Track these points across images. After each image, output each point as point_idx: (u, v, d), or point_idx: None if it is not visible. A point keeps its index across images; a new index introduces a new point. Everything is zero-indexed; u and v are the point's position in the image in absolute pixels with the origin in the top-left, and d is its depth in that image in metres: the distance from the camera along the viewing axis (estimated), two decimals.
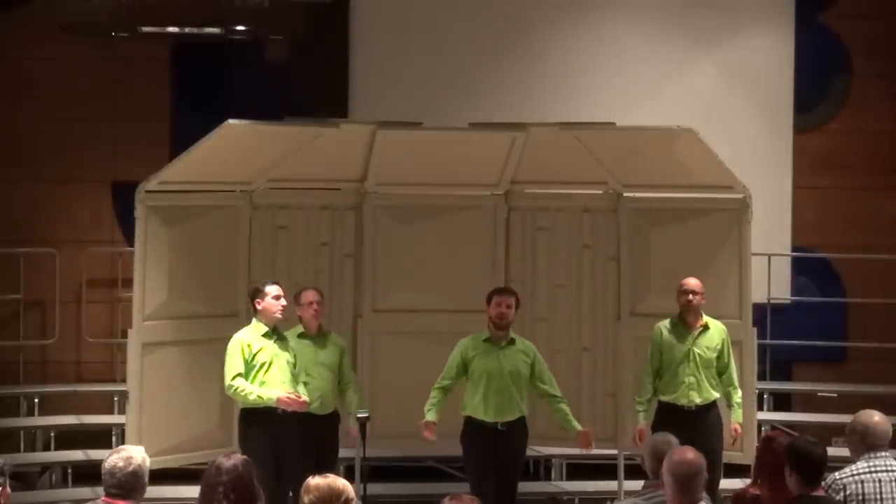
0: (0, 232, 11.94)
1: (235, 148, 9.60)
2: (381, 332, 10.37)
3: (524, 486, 9.90)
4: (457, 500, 5.35)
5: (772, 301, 12.14)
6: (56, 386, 11.97)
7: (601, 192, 10.52)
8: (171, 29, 11.77)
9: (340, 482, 5.32)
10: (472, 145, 10.24)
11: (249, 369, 8.84)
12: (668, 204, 10.39)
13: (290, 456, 8.79)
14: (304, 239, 10.33)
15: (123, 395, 9.97)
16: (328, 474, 5.37)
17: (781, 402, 12.43)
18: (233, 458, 5.62)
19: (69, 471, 11.24)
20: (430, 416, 8.99)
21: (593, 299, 10.49)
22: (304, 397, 8.87)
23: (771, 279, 12.01)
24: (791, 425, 11.54)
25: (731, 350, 9.58)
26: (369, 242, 10.40)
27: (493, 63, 12.24)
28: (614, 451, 10.38)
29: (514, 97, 12.08)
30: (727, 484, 10.15)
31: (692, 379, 9.43)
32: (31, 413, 11.73)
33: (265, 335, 8.93)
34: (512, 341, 9.15)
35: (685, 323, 9.51)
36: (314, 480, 5.32)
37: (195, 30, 11.75)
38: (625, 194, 10.43)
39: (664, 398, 9.50)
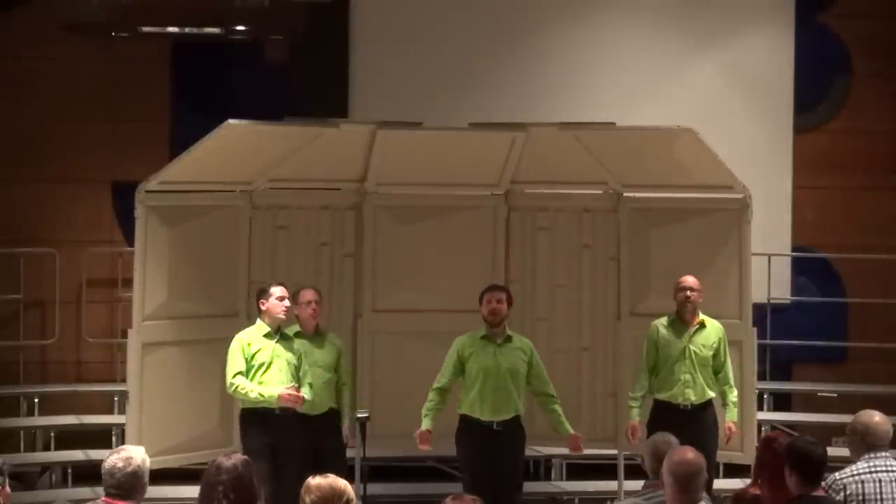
0: (0, 232, 11.94)
1: (235, 148, 9.60)
2: (381, 332, 10.37)
3: (524, 486, 9.88)
4: (458, 501, 5.35)
5: (772, 301, 12.14)
6: (56, 386, 11.97)
7: (601, 192, 10.52)
8: (171, 29, 11.79)
9: (341, 482, 5.32)
10: (472, 145, 10.24)
11: (248, 369, 8.87)
12: (668, 204, 10.39)
13: (289, 455, 8.80)
14: (304, 239, 10.32)
15: (123, 395, 9.97)
16: (329, 474, 5.37)
17: (781, 402, 12.43)
18: (233, 458, 5.62)
19: (69, 471, 11.24)
20: (426, 424, 8.94)
21: (593, 299, 10.49)
22: (304, 393, 8.87)
23: (771, 279, 12.00)
24: (791, 425, 11.54)
25: (727, 349, 9.56)
26: (369, 242, 10.40)
27: (493, 63, 12.24)
28: (614, 451, 10.38)
29: (514, 97, 12.08)
30: (727, 484, 10.17)
31: (688, 377, 9.42)
32: (31, 413, 11.72)
33: (267, 335, 8.95)
34: (509, 338, 9.13)
35: (682, 320, 9.50)
36: (315, 480, 5.32)
37: (195, 30, 11.77)
38: (625, 194, 10.43)
39: (659, 396, 9.49)
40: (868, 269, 12.64)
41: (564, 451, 10.36)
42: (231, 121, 9.44)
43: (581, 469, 11.41)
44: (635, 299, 10.38)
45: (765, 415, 11.75)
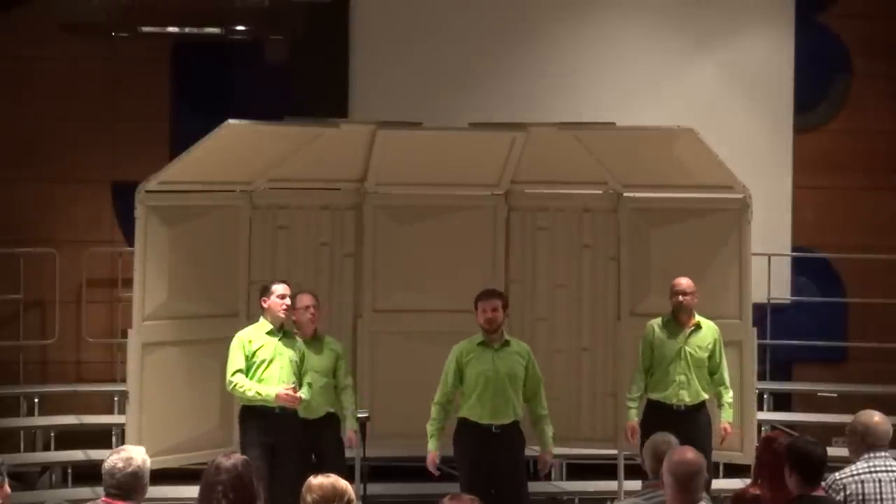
0: (0, 232, 11.94)
1: (235, 148, 9.60)
2: (381, 332, 10.37)
3: None
4: (457, 500, 5.35)
5: (772, 301, 12.14)
6: (56, 386, 11.97)
7: (601, 192, 10.52)
8: (171, 29, 11.79)
9: (342, 482, 5.33)
10: (472, 145, 10.24)
11: (249, 366, 8.88)
12: (668, 204, 10.39)
13: (286, 455, 8.81)
14: (304, 239, 10.32)
15: (123, 395, 9.97)
16: (330, 474, 5.38)
17: (781, 402, 12.43)
18: (232, 458, 5.62)
19: (69, 471, 11.24)
20: (433, 446, 8.98)
21: (593, 299, 10.49)
22: (302, 393, 8.87)
23: (771, 279, 12.00)
24: (791, 425, 11.54)
25: (723, 350, 9.56)
26: (369, 242, 10.40)
27: (493, 63, 12.24)
28: (614, 451, 10.38)
29: (515, 97, 12.07)
30: (727, 484, 10.17)
31: (683, 377, 9.42)
32: (31, 413, 11.72)
33: (269, 333, 8.95)
34: (507, 343, 9.08)
35: (677, 321, 9.50)
36: (316, 480, 5.32)
37: (195, 30, 11.77)
38: (625, 194, 10.43)
39: (654, 396, 9.49)
40: (868, 269, 12.64)
41: (564, 451, 10.38)
42: (231, 121, 9.44)
43: (581, 469, 11.40)
44: (635, 299, 10.38)
45: (765, 415, 11.75)
